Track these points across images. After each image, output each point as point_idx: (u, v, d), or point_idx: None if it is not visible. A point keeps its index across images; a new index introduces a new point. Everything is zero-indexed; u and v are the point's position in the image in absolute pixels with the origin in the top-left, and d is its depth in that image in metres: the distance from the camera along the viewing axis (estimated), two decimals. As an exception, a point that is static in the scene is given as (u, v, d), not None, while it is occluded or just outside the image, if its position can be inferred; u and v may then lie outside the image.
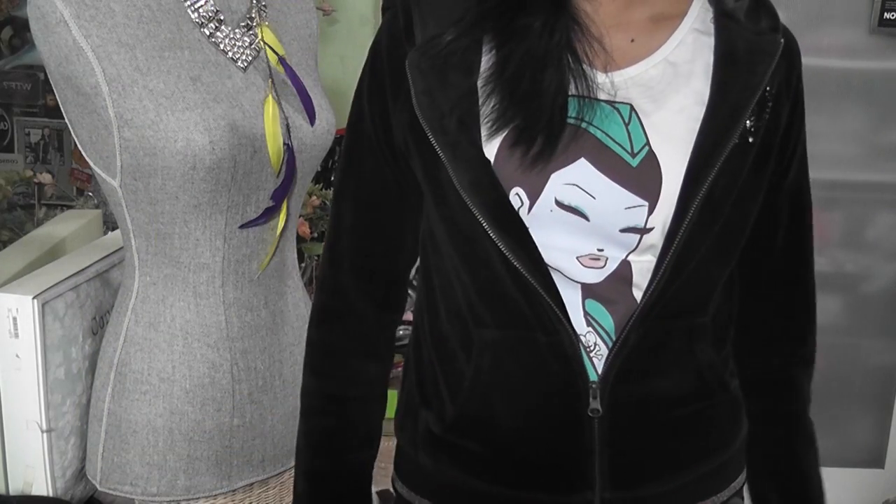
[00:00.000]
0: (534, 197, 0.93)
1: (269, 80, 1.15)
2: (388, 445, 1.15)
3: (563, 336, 0.96)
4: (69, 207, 2.42)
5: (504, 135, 0.93)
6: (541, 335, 0.96)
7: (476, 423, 1.01)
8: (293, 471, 1.32)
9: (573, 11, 0.95)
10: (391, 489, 1.16)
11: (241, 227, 1.14)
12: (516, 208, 0.94)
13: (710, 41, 0.98)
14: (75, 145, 1.14)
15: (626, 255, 0.95)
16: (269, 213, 1.16)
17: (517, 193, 0.93)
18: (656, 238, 0.94)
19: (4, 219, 2.28)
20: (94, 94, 1.04)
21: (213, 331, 1.16)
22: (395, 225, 1.06)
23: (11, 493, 1.22)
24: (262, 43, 1.15)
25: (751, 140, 0.96)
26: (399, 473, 1.14)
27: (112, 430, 1.17)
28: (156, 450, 1.15)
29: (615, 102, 0.94)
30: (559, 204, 0.93)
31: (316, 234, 2.10)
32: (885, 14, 2.36)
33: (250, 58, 1.14)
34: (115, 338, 1.17)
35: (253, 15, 1.15)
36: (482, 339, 0.99)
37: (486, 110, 0.94)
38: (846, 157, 2.42)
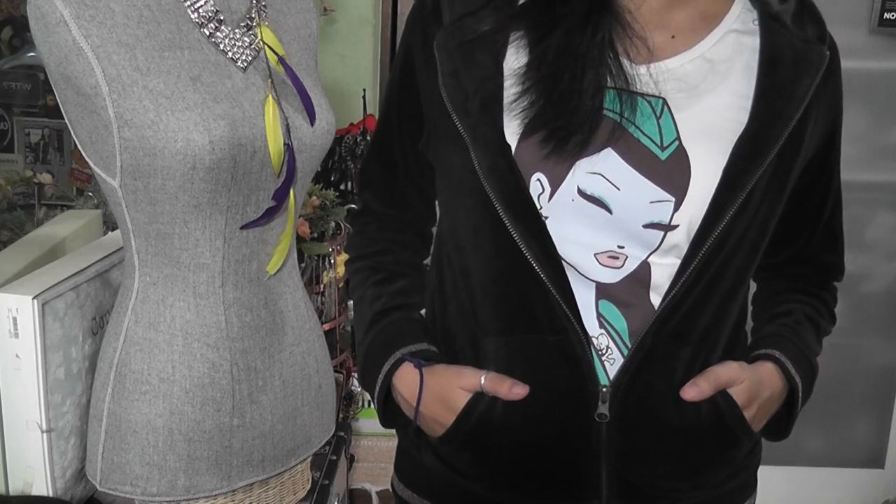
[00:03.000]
0: (556, 184, 0.91)
1: (269, 81, 1.15)
2: (388, 445, 1.15)
3: (571, 335, 0.93)
4: (69, 207, 2.42)
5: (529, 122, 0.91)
6: (549, 335, 0.93)
7: (480, 427, 0.98)
8: (293, 471, 1.32)
9: (616, 9, 0.93)
10: (390, 489, 1.16)
11: (243, 227, 1.14)
12: (537, 195, 0.91)
13: (752, 42, 0.96)
14: (75, 145, 1.14)
15: (648, 256, 0.92)
16: (270, 214, 1.16)
17: (538, 179, 0.91)
18: (681, 238, 0.91)
19: (4, 219, 2.28)
20: (94, 94, 1.04)
21: (213, 331, 1.16)
22: (416, 190, 1.12)
23: (11, 493, 1.22)
24: (261, 43, 1.15)
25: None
26: (399, 474, 1.13)
27: (112, 430, 1.17)
28: (156, 450, 1.15)
29: (648, 95, 0.92)
30: (581, 193, 0.90)
31: (316, 234, 2.10)
32: (885, 14, 2.36)
33: (250, 58, 1.14)
34: (115, 338, 1.17)
35: (253, 15, 1.15)
36: (488, 347, 0.98)
37: (519, 105, 0.91)
38: (846, 157, 2.41)
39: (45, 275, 1.23)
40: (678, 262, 0.92)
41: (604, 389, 0.94)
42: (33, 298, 1.15)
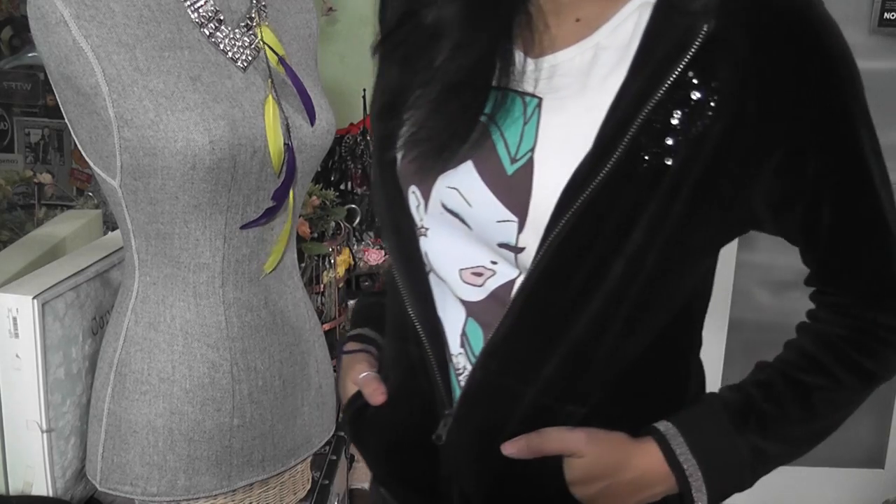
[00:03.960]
0: (426, 197, 0.86)
1: (269, 81, 1.15)
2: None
3: (423, 351, 0.87)
4: (69, 207, 2.42)
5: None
6: (413, 346, 0.89)
7: (356, 420, 0.97)
8: (293, 471, 1.32)
9: (527, 4, 0.83)
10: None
11: (243, 227, 1.14)
12: (415, 207, 0.86)
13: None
14: (75, 145, 1.14)
15: (517, 276, 0.82)
16: (270, 214, 1.16)
17: (413, 192, 0.87)
18: (531, 258, 0.79)
19: (4, 219, 2.28)
20: (94, 94, 1.04)
21: (213, 331, 1.16)
22: None
23: (11, 493, 1.22)
24: (261, 43, 1.15)
25: (669, 162, 0.74)
26: None
27: (112, 430, 1.17)
28: (156, 450, 1.15)
29: (527, 94, 0.81)
30: (444, 207, 0.84)
31: (316, 234, 2.10)
32: (885, 14, 2.36)
33: (250, 58, 1.14)
34: (115, 338, 1.17)
35: (253, 15, 1.15)
36: (385, 346, 0.98)
37: (409, 116, 0.85)
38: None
39: (45, 275, 1.23)
40: None
41: (446, 412, 0.87)
42: (33, 298, 1.15)
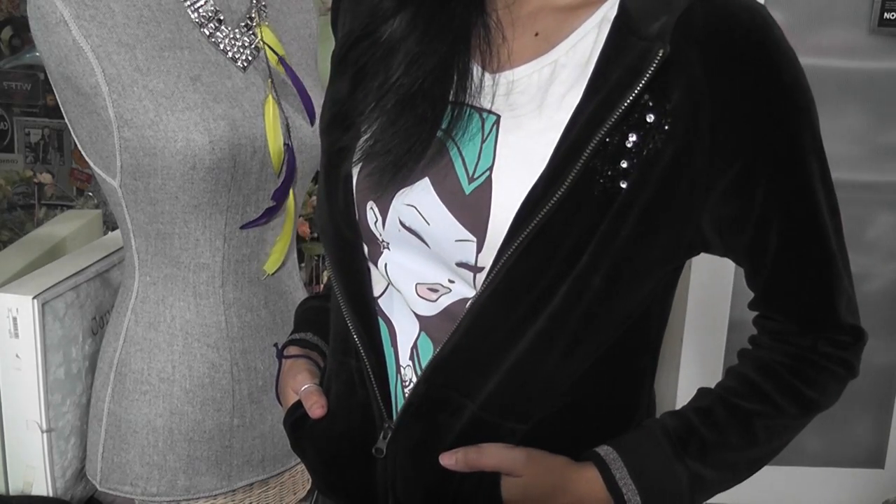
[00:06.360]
0: (383, 214, 0.84)
1: (269, 80, 1.15)
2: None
3: (362, 364, 0.87)
4: (69, 207, 2.42)
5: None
6: (353, 360, 0.89)
7: (295, 429, 0.96)
8: (293, 471, 1.32)
9: (484, 17, 0.82)
10: None
11: (243, 227, 1.14)
12: (372, 223, 0.85)
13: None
14: (75, 145, 1.14)
15: (472, 294, 0.81)
16: (270, 214, 1.16)
17: (371, 208, 0.85)
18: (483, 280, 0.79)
19: (4, 219, 2.28)
20: (94, 94, 1.04)
21: (213, 331, 1.16)
22: None
23: (11, 493, 1.22)
24: (261, 43, 1.15)
25: (623, 185, 0.74)
26: None
27: (112, 430, 1.17)
28: (156, 450, 1.15)
29: (484, 111, 0.80)
30: (402, 224, 0.83)
31: (316, 234, 2.10)
32: (885, 14, 2.36)
33: (250, 58, 1.14)
34: (115, 338, 1.17)
35: (253, 15, 1.15)
36: (328, 357, 0.97)
37: (364, 131, 0.83)
38: (846, 157, 2.42)
39: (45, 275, 1.23)
40: None
41: (385, 425, 0.86)
42: (33, 298, 1.15)
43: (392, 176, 0.81)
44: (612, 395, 0.86)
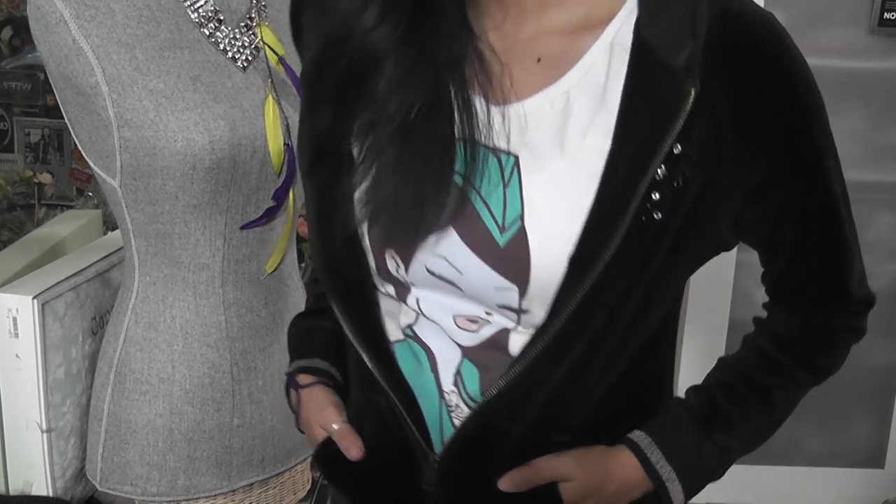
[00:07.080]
0: (406, 262, 0.81)
1: (269, 80, 1.15)
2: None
3: (392, 404, 0.86)
4: (69, 207, 2.43)
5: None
6: (381, 398, 0.87)
7: (332, 463, 0.94)
8: (293, 471, 1.32)
9: (475, 42, 0.78)
10: None
11: (243, 227, 1.14)
12: (394, 269, 0.82)
13: (623, 66, 0.75)
14: (75, 145, 1.14)
15: (515, 327, 0.81)
16: (270, 214, 1.16)
17: (392, 257, 0.82)
18: (538, 318, 0.79)
19: (4, 219, 2.29)
20: (94, 94, 1.04)
21: (213, 331, 1.16)
22: None
23: (11, 493, 1.22)
24: (261, 43, 1.15)
25: (658, 216, 0.75)
26: None
27: (112, 430, 1.17)
28: (156, 450, 1.15)
29: (500, 151, 0.77)
30: (431, 273, 0.81)
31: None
32: (885, 14, 2.36)
33: (250, 58, 1.14)
34: (115, 338, 1.17)
35: (253, 15, 1.15)
36: (352, 393, 0.95)
37: (362, 179, 0.79)
38: (846, 157, 2.40)
39: (45, 275, 1.23)
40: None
41: (432, 459, 0.85)
42: (33, 298, 1.15)
43: (411, 230, 0.78)
44: (645, 386, 0.90)
